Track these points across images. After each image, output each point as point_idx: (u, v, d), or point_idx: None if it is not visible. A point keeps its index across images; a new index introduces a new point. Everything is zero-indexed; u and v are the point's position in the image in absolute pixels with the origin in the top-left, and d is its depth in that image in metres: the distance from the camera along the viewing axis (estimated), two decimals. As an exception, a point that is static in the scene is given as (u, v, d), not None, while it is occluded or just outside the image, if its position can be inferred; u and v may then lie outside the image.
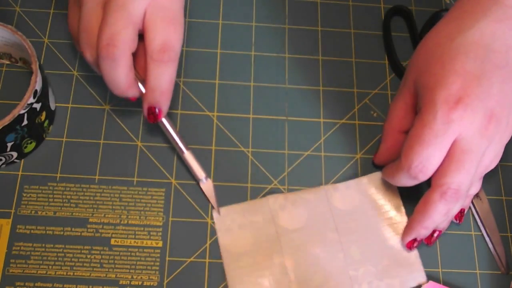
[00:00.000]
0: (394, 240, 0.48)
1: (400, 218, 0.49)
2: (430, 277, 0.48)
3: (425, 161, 0.43)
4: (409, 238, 0.47)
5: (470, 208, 0.51)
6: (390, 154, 0.49)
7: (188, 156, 0.48)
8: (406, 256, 0.48)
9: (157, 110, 0.46)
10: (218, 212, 0.48)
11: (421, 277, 0.48)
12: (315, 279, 0.46)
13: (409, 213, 0.50)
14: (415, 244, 0.47)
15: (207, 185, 0.49)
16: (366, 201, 0.49)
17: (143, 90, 0.45)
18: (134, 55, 0.44)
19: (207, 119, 0.52)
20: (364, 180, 0.50)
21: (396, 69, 0.55)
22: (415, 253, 0.48)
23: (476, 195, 0.51)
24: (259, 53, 0.56)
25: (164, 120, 0.47)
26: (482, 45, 0.43)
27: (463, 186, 0.43)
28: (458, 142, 0.43)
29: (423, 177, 0.44)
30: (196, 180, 0.49)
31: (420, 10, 0.59)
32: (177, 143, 0.48)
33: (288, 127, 0.53)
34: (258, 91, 0.54)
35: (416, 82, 0.46)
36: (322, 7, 0.58)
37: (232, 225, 0.48)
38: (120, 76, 0.43)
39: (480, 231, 0.50)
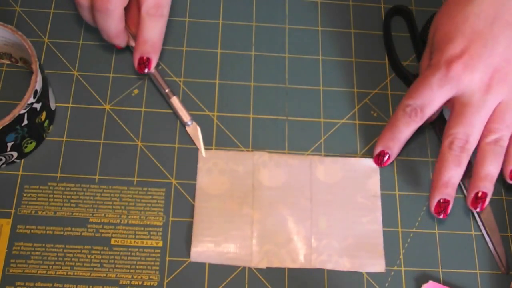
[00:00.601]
0: (363, 224, 0.49)
1: (374, 205, 0.50)
2: (430, 277, 0.48)
3: (419, 106, 0.48)
4: (434, 201, 0.48)
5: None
6: None
7: (175, 101, 0.51)
8: (371, 242, 0.49)
9: (147, 60, 0.50)
10: (203, 153, 0.50)
11: (380, 265, 0.48)
12: (277, 237, 0.48)
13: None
14: (442, 208, 0.48)
15: (192, 128, 0.51)
16: (347, 180, 0.51)
17: (133, 44, 0.51)
18: (125, 9, 0.49)
19: (207, 119, 0.52)
20: (352, 160, 0.51)
21: (396, 69, 0.55)
22: (379, 242, 0.49)
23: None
24: (259, 53, 0.56)
25: (153, 70, 0.51)
26: (498, 3, 0.46)
27: (470, 137, 0.47)
28: (459, 97, 0.47)
29: (415, 118, 0.48)
30: (183, 123, 0.51)
31: (420, 10, 0.59)
32: (164, 90, 0.51)
33: (288, 127, 0.53)
34: (258, 91, 0.54)
35: (433, 40, 0.50)
36: (322, 7, 0.58)
37: (213, 168, 0.50)
38: (111, 26, 0.49)
39: (480, 231, 0.50)
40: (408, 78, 0.54)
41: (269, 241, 0.48)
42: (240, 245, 0.48)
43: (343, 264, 0.48)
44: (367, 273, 0.48)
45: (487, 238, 0.50)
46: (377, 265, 0.48)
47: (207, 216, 0.48)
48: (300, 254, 0.48)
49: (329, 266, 0.48)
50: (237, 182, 0.50)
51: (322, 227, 0.49)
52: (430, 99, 0.47)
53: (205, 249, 0.47)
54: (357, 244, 0.48)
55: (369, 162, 0.51)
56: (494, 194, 0.52)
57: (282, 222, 0.49)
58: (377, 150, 0.51)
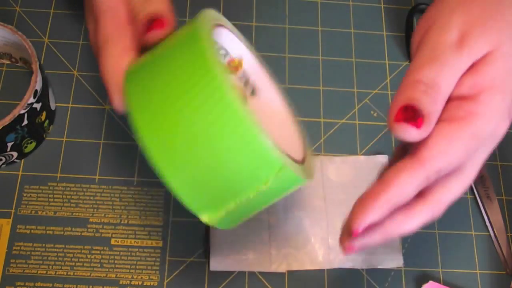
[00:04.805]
0: None
1: None
2: (430, 277, 0.48)
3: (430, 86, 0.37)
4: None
5: (479, 207, 0.51)
6: None
7: None
8: None
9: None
10: None
11: (398, 259, 0.48)
12: (294, 240, 0.48)
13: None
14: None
15: None
16: (359, 179, 0.51)
17: None
18: None
19: (207, 119, 0.52)
20: (361, 158, 0.51)
21: None
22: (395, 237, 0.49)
23: (486, 194, 0.51)
24: (260, 53, 0.56)
25: None
26: None
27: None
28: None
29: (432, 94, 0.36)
30: None
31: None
32: None
33: (288, 127, 0.53)
34: (258, 91, 0.54)
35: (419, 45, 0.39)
36: (322, 7, 0.58)
37: None
38: None
39: (488, 231, 0.50)
40: None
41: (286, 244, 0.48)
42: (258, 250, 0.47)
43: (362, 262, 0.48)
44: (367, 273, 0.48)
45: (493, 238, 0.50)
46: (395, 260, 0.48)
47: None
48: (318, 255, 0.48)
49: (348, 265, 0.48)
50: None
51: (338, 227, 0.48)
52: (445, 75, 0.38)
53: (224, 257, 0.47)
54: None
55: (378, 159, 0.51)
56: (494, 194, 0.52)
57: (298, 225, 0.48)
58: None
